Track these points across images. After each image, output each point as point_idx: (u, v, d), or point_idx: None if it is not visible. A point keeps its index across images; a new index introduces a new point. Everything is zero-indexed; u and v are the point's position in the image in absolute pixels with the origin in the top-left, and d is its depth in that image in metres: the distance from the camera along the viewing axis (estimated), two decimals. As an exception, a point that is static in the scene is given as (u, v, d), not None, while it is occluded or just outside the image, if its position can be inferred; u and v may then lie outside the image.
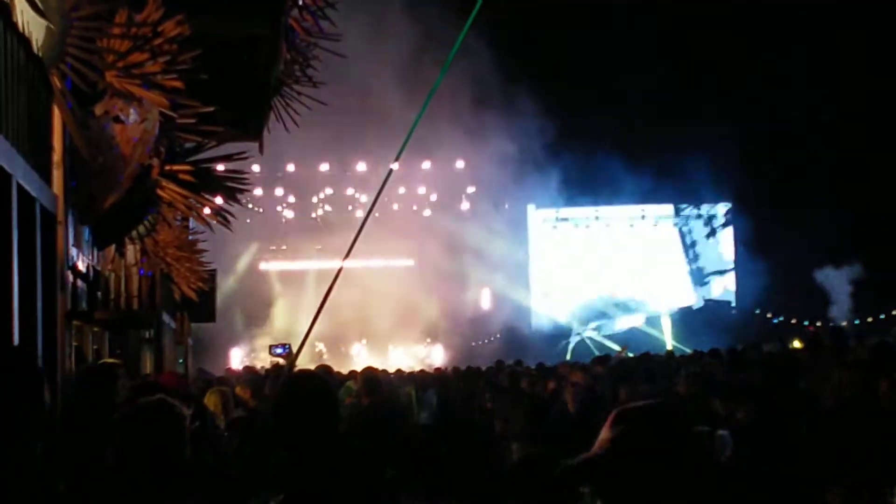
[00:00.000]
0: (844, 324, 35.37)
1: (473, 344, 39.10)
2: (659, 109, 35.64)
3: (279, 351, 19.41)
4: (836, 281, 36.84)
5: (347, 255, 5.61)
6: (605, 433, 2.40)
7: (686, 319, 41.64)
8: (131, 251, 10.66)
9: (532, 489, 4.41)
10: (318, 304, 7.03)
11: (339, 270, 5.43)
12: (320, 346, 32.87)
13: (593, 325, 42.27)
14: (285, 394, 4.03)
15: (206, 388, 10.29)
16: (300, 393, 3.97)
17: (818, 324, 35.55)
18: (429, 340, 37.57)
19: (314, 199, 36.20)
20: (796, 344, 23.15)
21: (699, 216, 43.49)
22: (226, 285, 33.92)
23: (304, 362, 16.88)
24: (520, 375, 15.74)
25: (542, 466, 4.58)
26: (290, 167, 33.86)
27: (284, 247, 37.15)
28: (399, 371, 18.20)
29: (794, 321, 42.85)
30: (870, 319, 39.76)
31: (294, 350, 8.68)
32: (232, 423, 8.68)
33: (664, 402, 2.60)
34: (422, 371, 19.73)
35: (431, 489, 4.96)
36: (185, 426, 3.84)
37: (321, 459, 3.75)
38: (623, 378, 11.17)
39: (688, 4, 33.74)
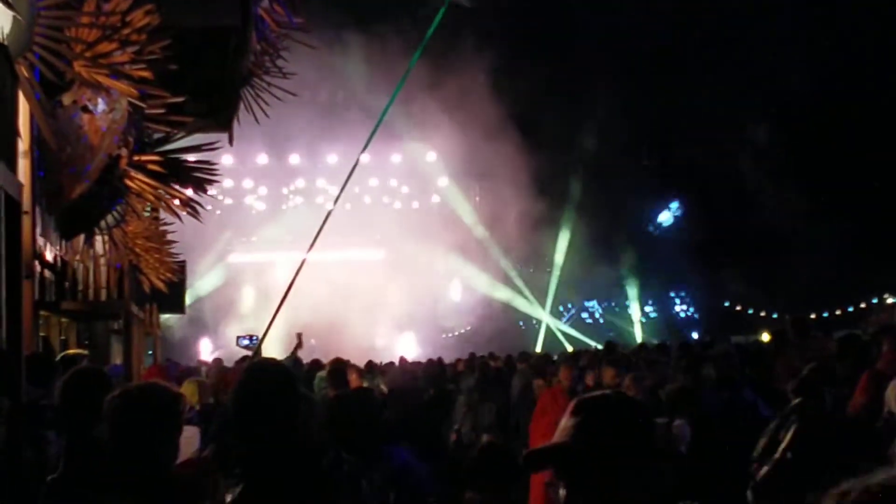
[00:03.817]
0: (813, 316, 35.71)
1: (444, 336, 39.12)
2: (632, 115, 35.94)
3: (245, 342, 19.30)
4: None
5: (311, 248, 5.59)
6: (565, 421, 2.46)
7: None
8: (100, 242, 10.61)
9: (490, 478, 4.44)
10: (288, 296, 7.02)
11: (303, 262, 5.42)
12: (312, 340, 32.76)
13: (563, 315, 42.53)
14: (244, 384, 3.94)
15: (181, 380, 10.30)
16: (259, 384, 3.90)
17: (787, 316, 35.85)
18: (399, 332, 37.55)
19: (285, 191, 36.07)
20: (764, 336, 23.35)
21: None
22: (201, 281, 33.81)
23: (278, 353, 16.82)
24: (490, 367, 15.82)
25: (501, 456, 4.63)
26: (262, 158, 33.73)
27: (255, 238, 37.00)
28: (370, 363, 18.16)
29: (762, 314, 43.25)
30: (838, 312, 40.18)
31: (262, 341, 8.67)
32: (201, 411, 8.74)
33: (621, 392, 2.67)
34: (392, 363, 19.74)
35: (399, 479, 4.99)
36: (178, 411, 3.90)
37: (279, 452, 3.71)
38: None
39: None
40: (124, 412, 3.76)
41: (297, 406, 3.92)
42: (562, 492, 2.41)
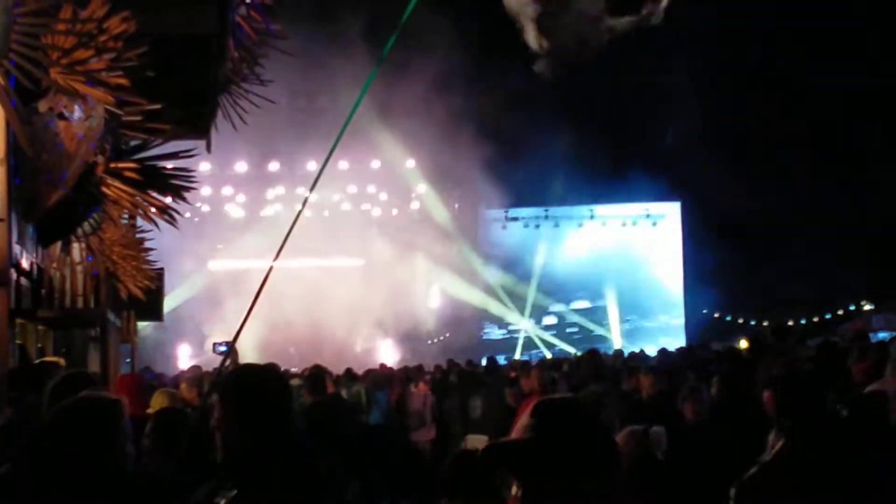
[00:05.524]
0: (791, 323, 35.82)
1: (429, 342, 39.10)
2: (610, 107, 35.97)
3: (222, 349, 19.24)
4: None
5: (277, 256, 5.52)
6: (524, 420, 2.49)
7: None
8: (77, 249, 10.56)
9: (464, 486, 4.40)
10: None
11: (270, 270, 5.35)
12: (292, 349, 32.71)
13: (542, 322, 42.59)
14: (241, 385, 3.85)
15: (152, 391, 10.20)
16: (256, 385, 3.78)
17: (765, 323, 35.98)
18: (378, 339, 37.53)
19: (264, 198, 36.03)
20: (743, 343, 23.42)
21: (647, 216, 42.97)
22: (179, 288, 33.62)
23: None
24: (469, 373, 15.93)
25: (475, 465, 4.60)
26: (240, 166, 33.70)
27: (234, 246, 36.87)
28: (349, 370, 18.17)
29: (741, 321, 43.41)
30: (815, 319, 40.37)
31: (235, 347, 8.58)
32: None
33: (578, 397, 2.72)
34: (372, 370, 19.73)
35: (374, 486, 4.98)
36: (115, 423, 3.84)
37: (279, 455, 3.63)
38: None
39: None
40: (59, 431, 3.75)
41: (291, 410, 3.88)
42: (514, 489, 2.44)
